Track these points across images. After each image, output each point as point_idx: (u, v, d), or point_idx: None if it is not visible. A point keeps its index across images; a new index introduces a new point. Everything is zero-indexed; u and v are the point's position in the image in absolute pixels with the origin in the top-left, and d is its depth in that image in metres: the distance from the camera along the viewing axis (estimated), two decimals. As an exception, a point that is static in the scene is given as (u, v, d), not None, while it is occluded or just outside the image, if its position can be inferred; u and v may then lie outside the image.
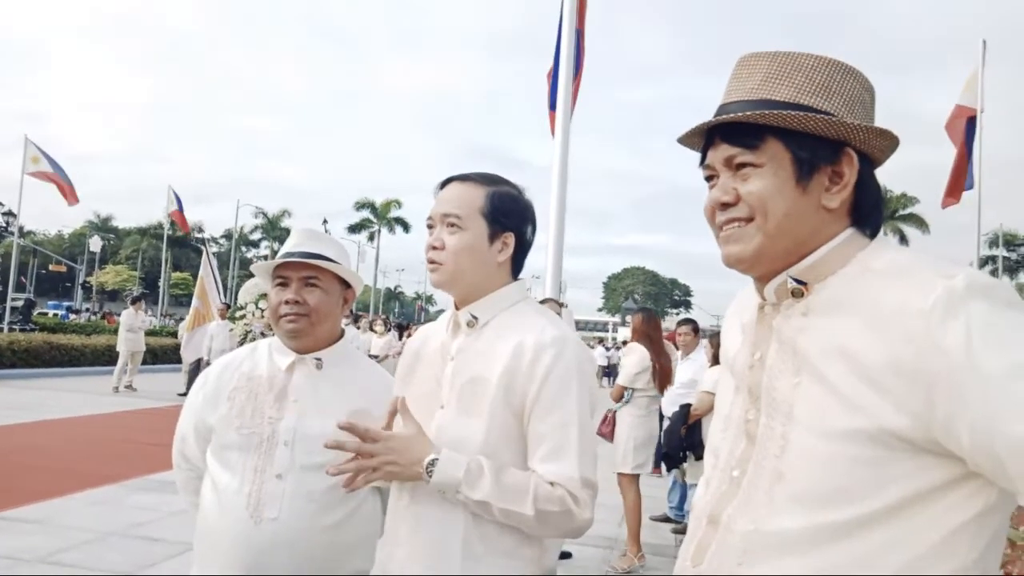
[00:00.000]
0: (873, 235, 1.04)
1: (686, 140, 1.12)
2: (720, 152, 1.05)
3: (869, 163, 1.05)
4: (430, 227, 1.56)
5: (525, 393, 1.43)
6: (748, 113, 1.00)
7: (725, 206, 1.04)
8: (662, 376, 5.44)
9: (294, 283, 1.84)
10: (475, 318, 1.53)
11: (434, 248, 1.53)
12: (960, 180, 12.60)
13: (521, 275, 1.61)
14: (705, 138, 1.08)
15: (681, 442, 5.66)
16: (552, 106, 7.32)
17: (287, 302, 1.82)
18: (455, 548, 1.42)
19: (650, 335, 5.55)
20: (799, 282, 1.02)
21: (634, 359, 5.46)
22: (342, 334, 1.96)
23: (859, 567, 0.90)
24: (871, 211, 1.04)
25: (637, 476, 5.34)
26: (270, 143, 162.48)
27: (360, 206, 55.21)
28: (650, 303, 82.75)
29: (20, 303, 24.98)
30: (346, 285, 1.93)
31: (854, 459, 0.90)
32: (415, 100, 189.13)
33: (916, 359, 0.87)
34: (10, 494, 5.71)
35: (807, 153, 1.00)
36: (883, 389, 0.89)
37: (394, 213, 54.74)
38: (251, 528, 1.72)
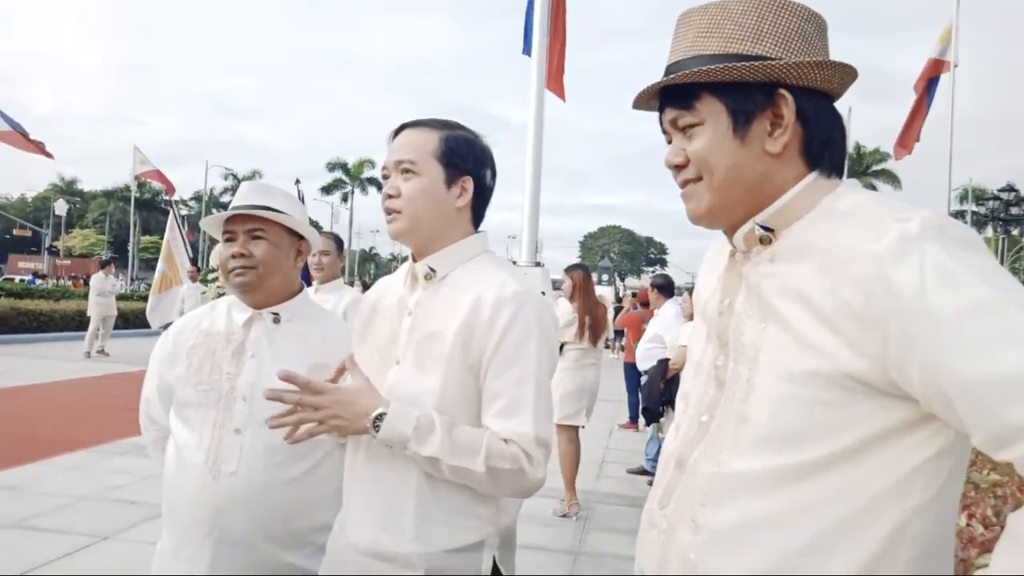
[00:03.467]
0: (838, 173, 1.04)
1: (639, 105, 1.12)
2: (667, 116, 1.06)
3: (826, 98, 1.03)
4: (385, 177, 1.52)
5: (483, 349, 1.39)
6: (671, 77, 1.02)
7: (678, 168, 1.05)
8: (594, 328, 5.61)
9: (240, 236, 1.80)
10: (433, 271, 1.48)
11: (390, 196, 1.48)
12: (914, 131, 12.68)
13: (485, 225, 1.57)
14: (659, 101, 1.08)
15: (660, 396, 5.77)
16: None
17: (234, 255, 1.79)
18: (408, 507, 1.40)
19: (586, 289, 5.75)
20: (766, 229, 1.02)
21: (558, 312, 5.59)
22: (301, 288, 1.93)
23: (817, 507, 0.91)
24: (823, 148, 1.02)
25: (575, 428, 5.43)
26: (241, 104, 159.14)
27: (332, 167, 54.39)
28: (626, 262, 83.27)
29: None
30: (299, 238, 1.89)
31: (813, 401, 0.91)
32: (390, 60, 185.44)
33: (869, 301, 0.87)
34: (-20, 461, 5.64)
35: (739, 103, 1.00)
36: (840, 331, 0.89)
37: (367, 173, 53.98)
38: (210, 483, 1.71)
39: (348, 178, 54.58)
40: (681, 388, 1.17)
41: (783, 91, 0.99)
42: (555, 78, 6.67)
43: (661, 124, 1.09)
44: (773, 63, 0.98)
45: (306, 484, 1.76)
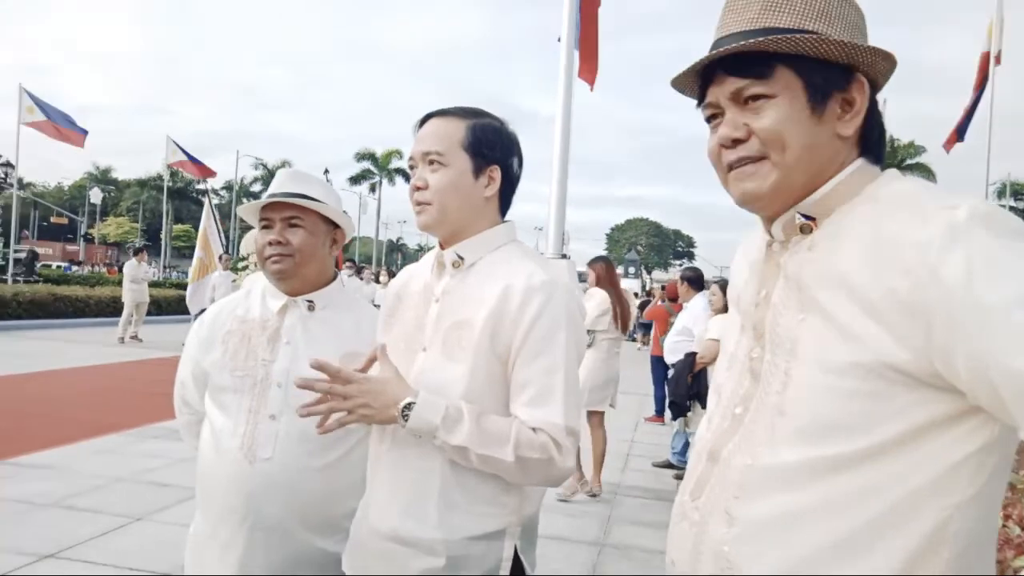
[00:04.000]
0: (878, 162, 1.02)
1: (681, 82, 1.07)
2: (726, 86, 1.00)
3: (872, 88, 1.02)
4: (412, 168, 1.51)
5: (511, 338, 1.39)
6: (760, 40, 0.96)
7: (736, 142, 1.00)
8: (623, 318, 5.75)
9: (277, 224, 1.81)
10: (461, 258, 1.48)
11: (418, 188, 1.47)
12: (964, 124, 12.49)
13: (512, 216, 1.56)
14: (701, 77, 1.04)
15: (688, 390, 5.74)
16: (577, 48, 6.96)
17: (270, 243, 1.80)
18: (432, 494, 1.40)
19: (611, 280, 5.86)
20: (807, 217, 1.00)
21: (595, 303, 5.69)
22: (335, 277, 1.95)
23: (855, 501, 0.90)
24: (878, 138, 1.02)
25: (601, 413, 5.59)
26: (271, 95, 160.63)
27: (361, 157, 54.64)
28: (653, 255, 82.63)
29: (23, 255, 24.97)
30: (334, 226, 1.90)
31: (853, 392, 0.89)
32: (418, 51, 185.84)
33: (915, 290, 0.85)
34: (20, 441, 5.80)
35: (820, 79, 0.97)
36: (883, 321, 0.87)
37: (395, 164, 54.15)
38: (246, 468, 1.74)
39: (376, 168, 54.83)
40: (714, 381, 1.15)
41: (860, 75, 0.98)
42: (587, 66, 6.61)
43: (702, 101, 1.04)
44: (857, 45, 0.96)
45: (339, 470, 1.78)
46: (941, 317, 0.84)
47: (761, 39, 0.96)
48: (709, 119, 1.04)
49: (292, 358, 1.79)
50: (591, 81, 6.56)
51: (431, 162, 1.46)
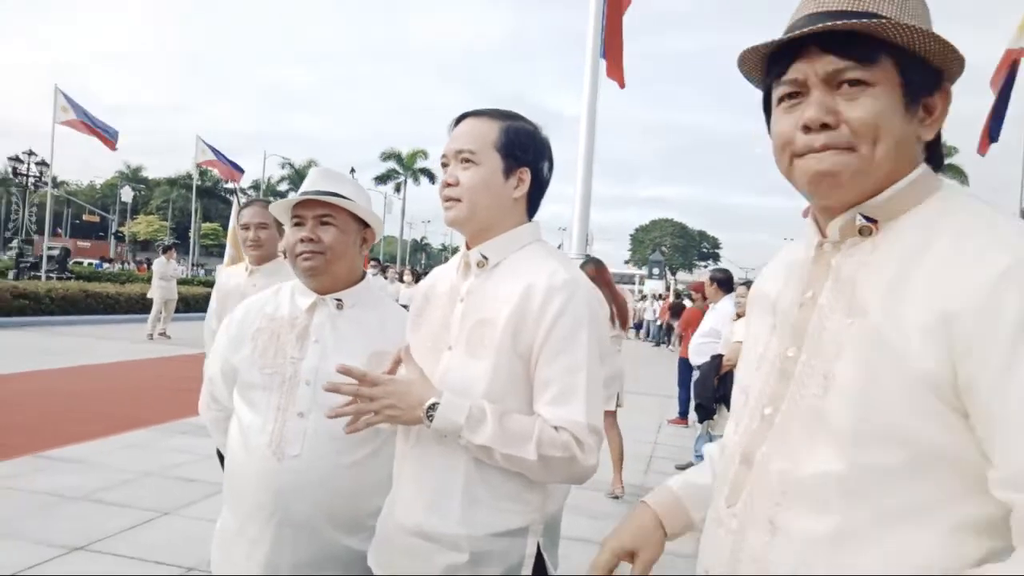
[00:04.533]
0: (936, 168, 1.00)
1: (751, 57, 1.00)
2: (822, 64, 0.93)
3: None
4: (444, 165, 1.53)
5: (533, 337, 1.41)
6: (877, 22, 0.89)
7: (823, 127, 0.93)
8: (621, 315, 5.71)
9: (309, 221, 1.83)
10: (485, 258, 1.50)
11: (448, 185, 1.50)
12: (993, 124, 12.22)
13: (537, 216, 1.58)
14: (782, 52, 0.96)
15: (714, 392, 5.70)
16: (602, 54, 6.99)
17: (302, 240, 1.82)
18: (456, 491, 1.42)
19: (603, 279, 5.77)
20: (869, 220, 0.96)
21: None
22: (363, 276, 1.96)
23: (902, 513, 0.87)
24: (939, 144, 1.01)
25: (612, 412, 5.52)
26: (298, 95, 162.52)
27: (386, 157, 55.02)
28: (678, 256, 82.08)
29: (56, 252, 25.48)
30: (364, 225, 1.91)
31: (897, 403, 0.87)
32: (443, 50, 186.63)
33: (969, 315, 0.83)
34: (51, 435, 5.92)
35: (918, 77, 0.94)
36: (930, 338, 0.85)
37: (420, 164, 54.47)
38: (274, 465, 1.75)
39: (401, 168, 55.16)
40: (739, 381, 1.13)
41: (948, 83, 0.96)
42: (614, 66, 6.59)
43: (781, 77, 0.96)
44: (954, 49, 0.93)
45: (366, 469, 1.79)
46: (978, 348, 0.82)
47: (882, 21, 0.90)
48: (786, 96, 0.97)
49: (321, 356, 1.80)
50: (620, 80, 6.54)
51: (464, 160, 1.49)
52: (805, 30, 0.93)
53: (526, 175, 1.51)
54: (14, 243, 26.40)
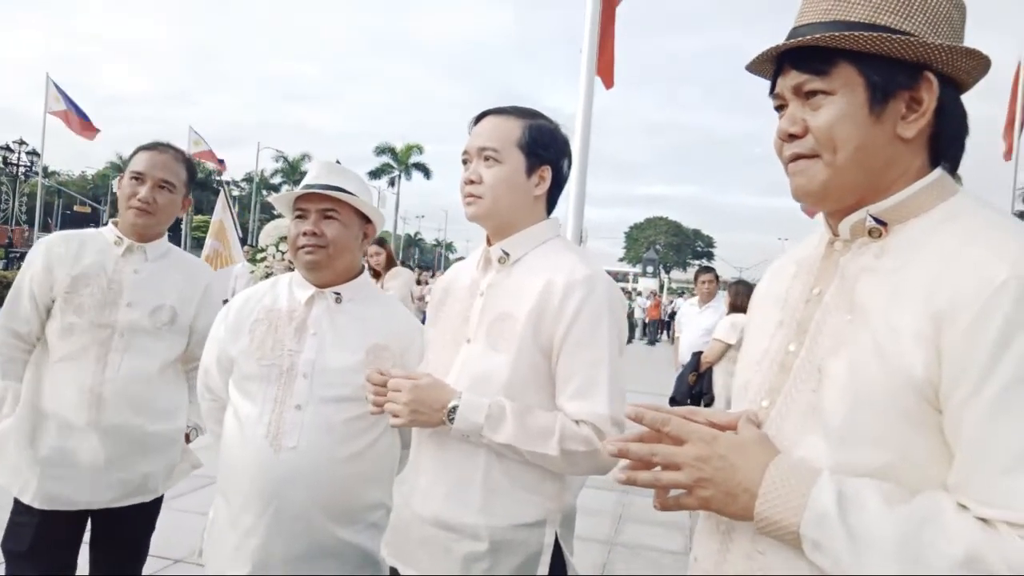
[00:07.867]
0: (953, 169, 0.99)
1: (755, 67, 1.05)
2: (789, 79, 0.99)
3: (955, 88, 0.98)
4: (465, 162, 1.55)
5: (554, 331, 1.43)
6: (817, 36, 0.94)
7: (792, 137, 0.99)
8: None
9: (312, 215, 1.83)
10: (506, 254, 1.53)
11: (471, 182, 1.52)
12: (1007, 139, 12.12)
13: (554, 213, 1.60)
14: (775, 65, 1.02)
15: (689, 390, 5.74)
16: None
17: (305, 233, 1.82)
18: (476, 481, 1.44)
19: None
20: (879, 221, 0.97)
21: None
22: (362, 270, 1.97)
23: None
24: (952, 141, 0.98)
25: None
26: (295, 88, 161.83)
27: (380, 151, 54.85)
28: (672, 254, 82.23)
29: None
30: (366, 220, 1.92)
31: (888, 406, 0.88)
32: (442, 46, 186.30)
33: (957, 326, 0.84)
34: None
35: (881, 77, 0.94)
36: (925, 344, 0.86)
37: (415, 159, 54.32)
38: (271, 456, 1.76)
39: (395, 163, 55.00)
40: (740, 377, 1.13)
41: (929, 74, 0.94)
42: (603, 64, 6.58)
43: (772, 90, 1.03)
44: (927, 42, 0.92)
45: (363, 461, 1.80)
46: (970, 355, 0.83)
47: (819, 35, 0.94)
48: (778, 108, 1.03)
49: (318, 349, 1.81)
50: (608, 80, 6.53)
51: (486, 158, 1.51)
52: (762, 53, 1.00)
53: (547, 173, 1.54)
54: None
